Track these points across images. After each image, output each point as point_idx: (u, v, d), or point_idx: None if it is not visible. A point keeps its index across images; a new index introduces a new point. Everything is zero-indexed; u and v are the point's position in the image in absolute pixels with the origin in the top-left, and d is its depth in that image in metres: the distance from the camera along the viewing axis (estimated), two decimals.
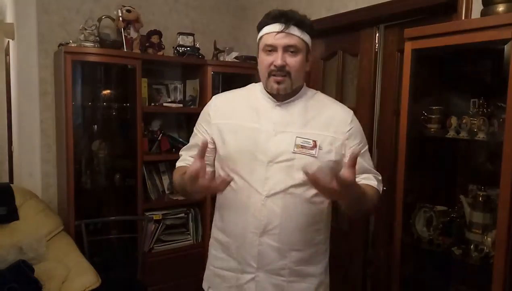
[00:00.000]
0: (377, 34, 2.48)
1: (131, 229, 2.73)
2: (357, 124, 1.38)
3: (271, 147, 1.29)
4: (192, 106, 3.05)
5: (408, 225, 1.78)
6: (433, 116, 1.75)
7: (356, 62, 2.63)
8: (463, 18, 1.90)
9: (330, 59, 2.84)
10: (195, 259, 3.00)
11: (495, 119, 1.54)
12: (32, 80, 2.70)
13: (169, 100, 3.06)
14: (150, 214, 2.81)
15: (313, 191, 1.22)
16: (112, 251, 2.74)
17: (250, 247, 1.32)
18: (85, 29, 2.64)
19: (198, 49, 3.01)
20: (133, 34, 2.74)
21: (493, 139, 1.52)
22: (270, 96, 1.35)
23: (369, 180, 1.35)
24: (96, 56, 2.58)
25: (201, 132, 1.45)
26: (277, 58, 1.27)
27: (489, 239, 1.55)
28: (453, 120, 1.67)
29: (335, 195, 1.09)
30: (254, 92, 1.40)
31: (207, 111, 1.44)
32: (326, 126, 1.33)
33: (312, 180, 1.06)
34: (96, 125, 2.88)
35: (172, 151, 3.01)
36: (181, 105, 3.02)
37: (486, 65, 1.67)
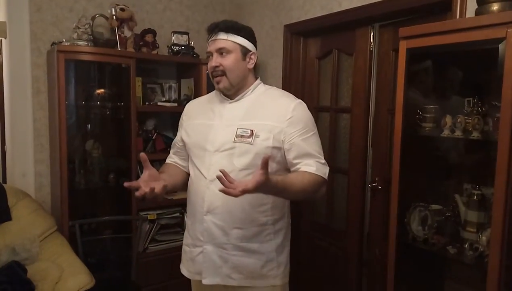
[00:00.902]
0: (372, 33, 2.48)
1: (126, 229, 2.72)
2: (300, 112, 1.49)
3: (218, 138, 1.50)
4: None
5: (403, 224, 1.78)
6: (428, 115, 1.75)
7: (351, 61, 2.63)
8: (457, 17, 1.90)
9: (325, 58, 2.83)
10: None
11: (489, 118, 1.54)
12: (25, 79, 2.67)
13: (164, 99, 3.05)
14: (144, 214, 2.79)
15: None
16: (106, 251, 2.72)
17: (199, 224, 1.54)
18: (78, 28, 2.62)
19: (193, 48, 3.00)
20: (127, 33, 2.72)
21: (488, 138, 1.52)
22: (224, 96, 1.56)
23: (309, 165, 1.45)
24: (89, 55, 2.56)
25: (178, 133, 1.72)
26: (212, 61, 1.50)
27: (484, 238, 1.55)
28: (448, 119, 1.67)
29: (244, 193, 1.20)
30: (215, 95, 1.62)
31: (182, 116, 1.73)
32: (268, 116, 1.48)
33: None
34: (90, 125, 2.87)
35: (167, 150, 2.97)
36: (175, 104, 3.00)
37: (480, 64, 1.67)
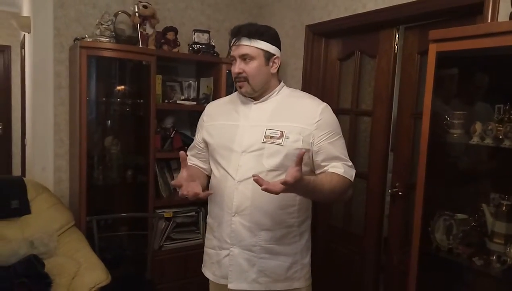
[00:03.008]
0: (397, 36, 2.43)
1: (142, 226, 2.72)
2: (327, 116, 1.51)
3: (245, 139, 1.49)
4: (205, 104, 3.00)
5: (426, 232, 1.73)
6: (456, 122, 1.69)
7: (373, 63, 2.58)
8: (489, 20, 1.84)
9: (347, 60, 2.79)
10: None
11: None
12: (47, 74, 2.69)
13: (183, 97, 3.04)
14: (161, 212, 2.79)
15: (281, 177, 1.29)
16: (122, 247, 2.73)
17: (226, 225, 1.52)
18: (101, 24, 2.63)
19: (213, 46, 2.98)
20: (148, 30, 2.72)
21: None
22: (249, 97, 1.56)
23: (336, 167, 1.47)
24: (111, 52, 2.57)
25: (197, 134, 1.71)
26: (235, 67, 1.50)
27: None
28: (478, 126, 1.61)
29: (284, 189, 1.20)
30: (238, 96, 1.61)
31: (202, 117, 1.71)
32: (296, 118, 1.48)
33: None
34: (109, 121, 2.88)
35: (184, 149, 2.98)
36: (194, 103, 3.00)
37: None
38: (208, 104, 1.76)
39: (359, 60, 2.68)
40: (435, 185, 1.72)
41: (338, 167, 1.47)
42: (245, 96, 1.55)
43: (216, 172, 1.59)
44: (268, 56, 1.50)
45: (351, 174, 1.49)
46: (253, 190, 1.43)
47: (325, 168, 1.48)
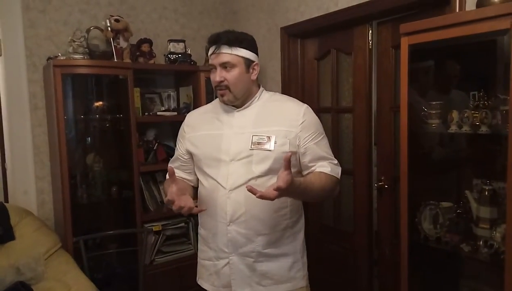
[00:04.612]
0: (370, 31, 2.45)
1: (131, 242, 2.68)
2: (310, 117, 1.52)
3: (232, 147, 1.48)
4: (186, 114, 2.99)
5: (414, 223, 1.74)
6: (433, 112, 1.72)
7: (350, 60, 2.60)
8: (457, 10, 1.87)
9: (323, 59, 2.81)
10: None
11: (497, 111, 1.51)
12: (22, 95, 2.64)
13: (163, 108, 3.02)
14: (149, 226, 2.75)
15: (271, 181, 1.32)
16: (113, 266, 2.68)
17: (221, 235, 1.51)
18: (74, 41, 2.59)
19: (190, 55, 2.97)
20: (122, 43, 2.70)
21: (497, 131, 1.48)
22: (230, 105, 1.54)
23: (323, 167, 1.48)
24: (86, 68, 2.53)
25: (179, 146, 1.67)
26: (215, 76, 1.47)
27: (498, 234, 1.52)
28: (455, 114, 1.64)
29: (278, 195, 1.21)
30: (219, 104, 1.59)
31: (182, 127, 1.68)
32: (280, 122, 1.48)
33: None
34: (89, 138, 2.83)
35: (168, 160, 2.94)
36: (175, 113, 2.97)
37: (483, 57, 1.64)
38: (188, 114, 1.73)
39: (336, 58, 2.70)
40: (419, 176, 1.74)
41: (325, 166, 1.48)
42: (226, 104, 1.54)
43: (204, 182, 1.56)
44: (248, 63, 1.49)
45: (337, 171, 1.51)
46: (246, 196, 1.41)
47: (312, 168, 1.49)
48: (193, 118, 1.68)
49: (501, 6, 1.38)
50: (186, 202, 1.34)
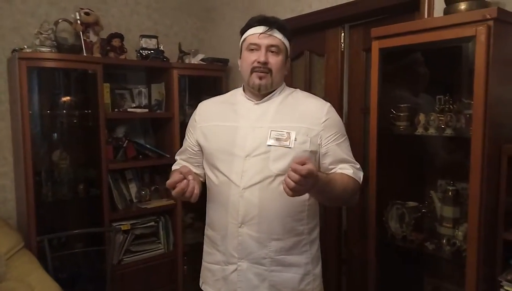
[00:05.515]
0: (343, 34, 2.49)
1: (98, 242, 2.61)
2: (333, 116, 1.43)
3: (248, 142, 1.37)
4: (158, 111, 2.96)
5: (381, 222, 1.79)
6: (402, 114, 1.77)
7: (323, 62, 2.64)
8: (425, 16, 1.94)
9: (297, 60, 2.83)
10: (168, 268, 2.91)
11: (461, 115, 1.57)
12: None
13: (134, 105, 2.96)
14: (117, 225, 2.69)
15: None
16: (79, 266, 2.60)
17: (231, 238, 1.39)
18: (41, 34, 2.50)
19: (163, 52, 2.93)
20: (92, 37, 2.62)
21: (461, 134, 1.54)
22: (249, 97, 1.46)
23: (345, 169, 1.40)
24: (53, 62, 2.45)
25: (188, 136, 1.57)
26: (260, 56, 1.37)
27: (460, 233, 1.58)
28: (422, 117, 1.69)
29: (296, 189, 1.12)
30: (235, 96, 1.51)
31: (193, 117, 1.56)
32: (302, 119, 1.39)
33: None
34: (56, 134, 2.74)
35: (139, 158, 2.90)
36: (146, 110, 2.92)
37: (450, 63, 1.70)
38: (200, 103, 1.59)
39: (309, 60, 2.73)
40: (387, 176, 1.79)
41: (347, 169, 1.40)
42: (253, 93, 1.43)
43: (214, 179, 1.44)
44: (287, 55, 1.44)
45: (359, 176, 1.42)
46: (260, 196, 1.34)
47: (333, 171, 1.40)
48: (205, 108, 1.55)
49: (467, 14, 1.44)
50: (192, 185, 1.22)
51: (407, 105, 1.77)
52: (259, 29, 1.38)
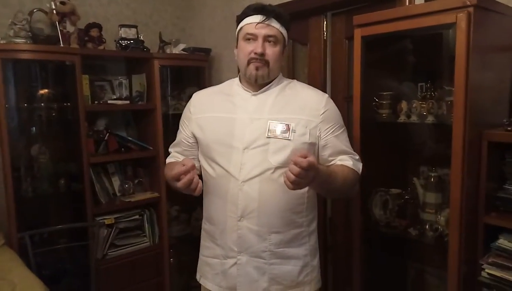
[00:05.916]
0: (325, 22, 2.48)
1: (82, 237, 2.57)
2: (331, 107, 1.43)
3: (246, 134, 1.35)
4: (140, 103, 2.90)
5: (366, 209, 1.80)
6: (384, 102, 1.78)
7: (306, 50, 2.63)
8: (407, 3, 1.94)
9: None
10: (153, 261, 2.89)
11: (443, 102, 1.59)
12: None
13: (114, 97, 2.90)
14: (101, 219, 2.65)
15: None
16: (62, 261, 2.55)
17: (230, 231, 1.38)
18: (15, 24, 2.41)
19: (143, 42, 2.86)
20: (69, 28, 2.55)
21: (443, 121, 1.56)
22: (246, 88, 1.43)
23: (345, 161, 1.41)
24: (29, 53, 2.37)
25: (183, 128, 1.53)
26: (257, 46, 1.34)
27: (442, 218, 1.61)
28: (404, 105, 1.70)
29: (297, 182, 1.12)
30: (231, 86, 1.48)
31: (188, 108, 1.52)
32: (300, 110, 1.38)
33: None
34: (34, 128, 2.66)
35: (121, 151, 2.85)
36: (127, 102, 2.87)
37: (431, 50, 1.71)
38: (195, 93, 1.57)
39: (292, 48, 2.71)
40: (370, 164, 1.79)
41: (346, 160, 1.41)
42: (250, 84, 1.41)
43: (211, 171, 1.42)
44: (284, 44, 1.41)
45: (359, 167, 1.44)
46: (260, 189, 1.33)
47: (333, 163, 1.41)
48: (200, 98, 1.52)
49: (447, 0, 1.44)
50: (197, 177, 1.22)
51: (389, 93, 1.77)
52: (256, 18, 1.35)
